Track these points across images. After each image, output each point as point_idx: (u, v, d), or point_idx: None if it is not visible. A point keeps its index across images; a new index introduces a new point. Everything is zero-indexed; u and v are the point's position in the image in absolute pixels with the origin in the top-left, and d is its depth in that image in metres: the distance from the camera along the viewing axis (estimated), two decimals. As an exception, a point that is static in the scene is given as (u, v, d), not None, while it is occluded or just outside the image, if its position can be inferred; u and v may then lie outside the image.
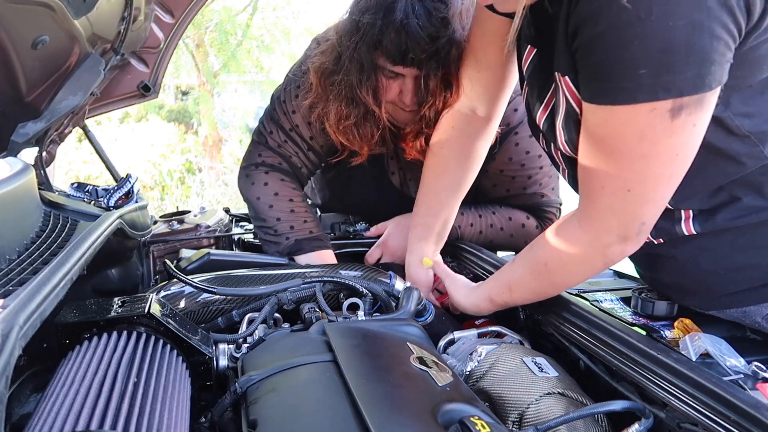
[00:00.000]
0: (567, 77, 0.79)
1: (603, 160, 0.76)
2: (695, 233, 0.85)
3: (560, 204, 1.48)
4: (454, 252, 1.39)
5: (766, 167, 0.78)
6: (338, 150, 1.38)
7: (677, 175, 0.75)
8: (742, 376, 0.72)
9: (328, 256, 1.37)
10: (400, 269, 1.30)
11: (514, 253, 1.44)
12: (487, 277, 1.13)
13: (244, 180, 1.44)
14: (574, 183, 0.91)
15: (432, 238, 1.25)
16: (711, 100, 0.69)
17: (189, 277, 1.01)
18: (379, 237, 1.47)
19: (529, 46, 0.92)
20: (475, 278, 1.24)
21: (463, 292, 1.12)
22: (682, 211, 0.86)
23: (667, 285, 0.96)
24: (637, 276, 1.13)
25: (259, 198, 1.40)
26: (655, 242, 0.90)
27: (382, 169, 1.48)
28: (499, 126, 1.24)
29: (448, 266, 1.25)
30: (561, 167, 0.96)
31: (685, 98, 0.66)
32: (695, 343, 0.78)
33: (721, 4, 0.62)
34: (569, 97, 0.81)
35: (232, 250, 1.64)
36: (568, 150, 0.87)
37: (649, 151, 0.72)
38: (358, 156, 1.33)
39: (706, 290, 0.90)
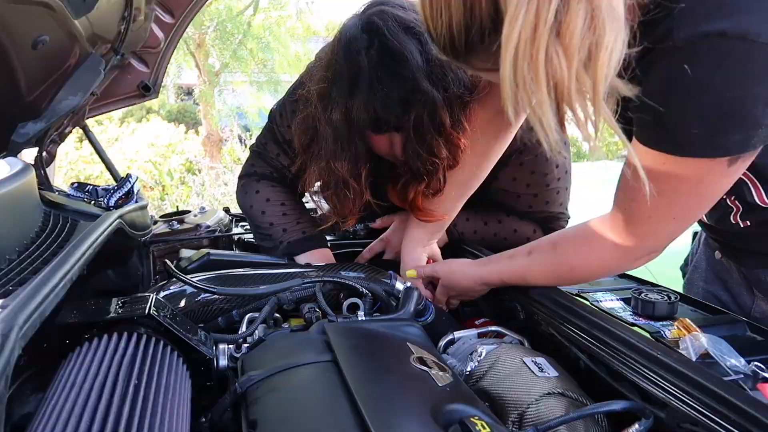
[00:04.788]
0: None
1: (655, 193, 0.76)
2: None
3: (569, 218, 1.45)
4: (455, 253, 1.39)
5: None
6: None
7: (712, 202, 0.81)
8: (742, 376, 0.72)
9: (322, 255, 1.37)
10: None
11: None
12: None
13: (240, 191, 1.46)
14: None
15: (429, 227, 1.26)
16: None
17: (189, 276, 1.01)
18: (383, 230, 1.47)
19: None
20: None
21: (465, 267, 1.13)
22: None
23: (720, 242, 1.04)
24: (637, 276, 1.13)
25: (252, 206, 1.41)
26: (741, 225, 0.95)
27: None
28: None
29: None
30: None
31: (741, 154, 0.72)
32: (695, 343, 0.78)
33: None
34: None
35: (232, 250, 1.64)
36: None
37: (706, 191, 0.77)
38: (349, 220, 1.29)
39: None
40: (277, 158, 1.41)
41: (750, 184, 0.88)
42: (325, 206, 1.33)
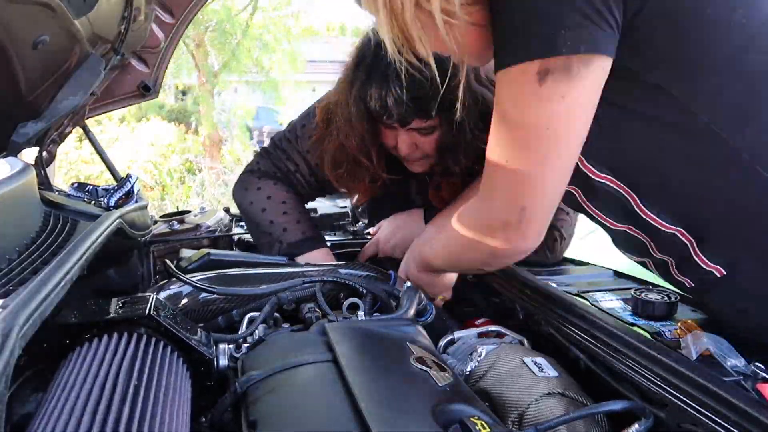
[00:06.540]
0: None
1: (492, 132, 0.80)
2: (722, 273, 0.79)
3: (567, 212, 1.36)
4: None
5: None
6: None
7: (552, 160, 0.76)
8: (742, 376, 0.72)
9: (322, 255, 1.37)
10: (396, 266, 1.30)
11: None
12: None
13: (238, 187, 1.46)
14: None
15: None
16: (581, 71, 0.69)
17: (189, 276, 1.01)
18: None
19: None
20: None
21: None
22: (682, 238, 0.82)
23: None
24: (637, 276, 1.13)
25: (252, 203, 1.41)
26: (687, 285, 0.87)
27: (406, 191, 1.47)
28: None
29: None
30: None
31: (549, 60, 0.69)
32: (696, 342, 0.78)
33: None
34: None
35: (232, 250, 1.64)
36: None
37: (520, 119, 0.75)
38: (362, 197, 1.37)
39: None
40: (285, 162, 1.42)
41: (627, 196, 0.83)
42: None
